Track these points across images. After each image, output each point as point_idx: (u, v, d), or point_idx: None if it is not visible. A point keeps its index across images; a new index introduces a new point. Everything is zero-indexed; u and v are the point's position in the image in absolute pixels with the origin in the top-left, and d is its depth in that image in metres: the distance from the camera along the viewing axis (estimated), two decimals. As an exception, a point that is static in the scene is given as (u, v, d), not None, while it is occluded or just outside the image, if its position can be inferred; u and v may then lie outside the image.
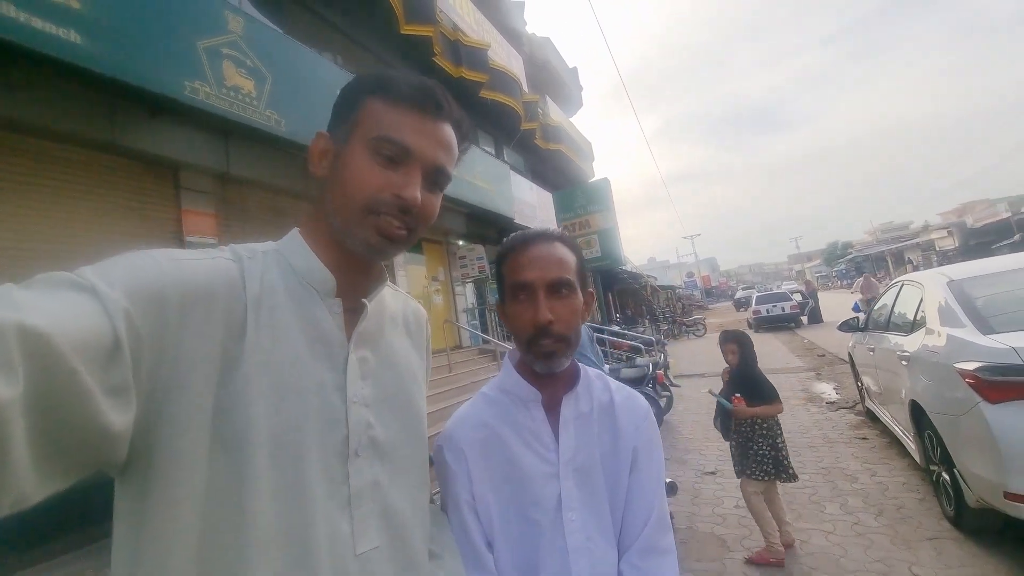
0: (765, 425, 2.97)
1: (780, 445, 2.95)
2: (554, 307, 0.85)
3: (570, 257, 0.90)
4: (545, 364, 0.87)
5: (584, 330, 3.10)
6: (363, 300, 0.71)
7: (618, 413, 0.93)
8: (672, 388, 6.65)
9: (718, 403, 3.18)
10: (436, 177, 0.68)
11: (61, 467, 0.45)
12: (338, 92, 0.71)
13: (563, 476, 0.86)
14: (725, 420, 3.18)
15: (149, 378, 0.51)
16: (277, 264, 0.66)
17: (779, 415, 3.02)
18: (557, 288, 0.86)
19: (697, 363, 11.67)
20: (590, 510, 0.85)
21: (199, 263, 0.59)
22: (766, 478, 2.91)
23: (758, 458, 2.93)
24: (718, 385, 3.43)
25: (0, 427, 0.39)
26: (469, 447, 0.88)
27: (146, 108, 4.23)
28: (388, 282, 0.79)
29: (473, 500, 0.85)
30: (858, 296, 15.51)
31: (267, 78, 4.81)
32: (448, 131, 0.70)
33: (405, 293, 0.88)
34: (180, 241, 4.76)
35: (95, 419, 0.46)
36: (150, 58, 3.77)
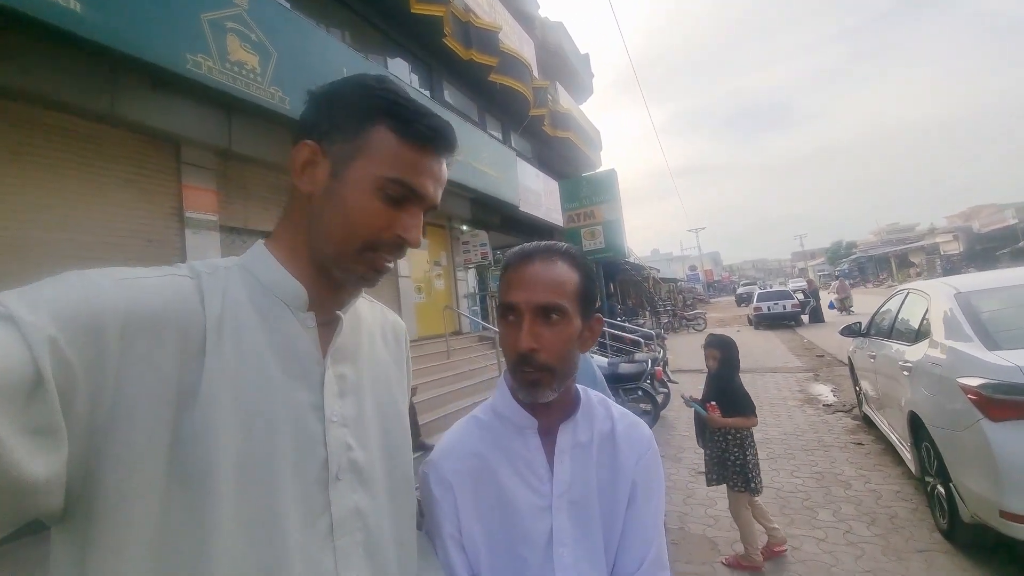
0: (739, 435, 2.95)
1: (750, 457, 2.92)
2: (541, 334, 0.78)
3: (570, 278, 0.82)
4: (527, 393, 0.80)
5: (589, 363, 2.95)
6: (338, 313, 0.66)
7: (619, 443, 0.88)
8: (670, 384, 6.64)
9: (695, 414, 3.15)
10: (430, 214, 0.68)
11: None
12: (330, 92, 0.64)
13: (556, 509, 0.81)
14: (700, 426, 3.18)
15: (87, 415, 0.46)
16: (242, 279, 0.61)
17: (754, 426, 2.99)
18: (546, 313, 0.79)
19: (696, 358, 11.63)
20: (583, 546, 0.81)
21: (146, 281, 0.54)
22: (745, 490, 2.90)
23: (736, 468, 2.91)
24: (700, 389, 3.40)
25: None
26: (457, 477, 0.83)
27: (147, 80, 4.15)
28: (362, 294, 0.75)
29: (459, 534, 0.80)
30: (834, 295, 18.43)
31: (272, 54, 4.70)
32: (445, 167, 0.68)
33: (381, 305, 0.83)
34: (180, 217, 4.71)
35: (8, 469, 0.40)
36: (152, 29, 3.68)
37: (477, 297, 10.77)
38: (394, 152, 0.61)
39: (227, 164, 5.28)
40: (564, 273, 0.82)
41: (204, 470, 0.51)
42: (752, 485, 2.89)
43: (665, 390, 6.39)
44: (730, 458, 2.93)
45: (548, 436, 0.86)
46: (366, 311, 0.77)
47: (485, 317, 10.36)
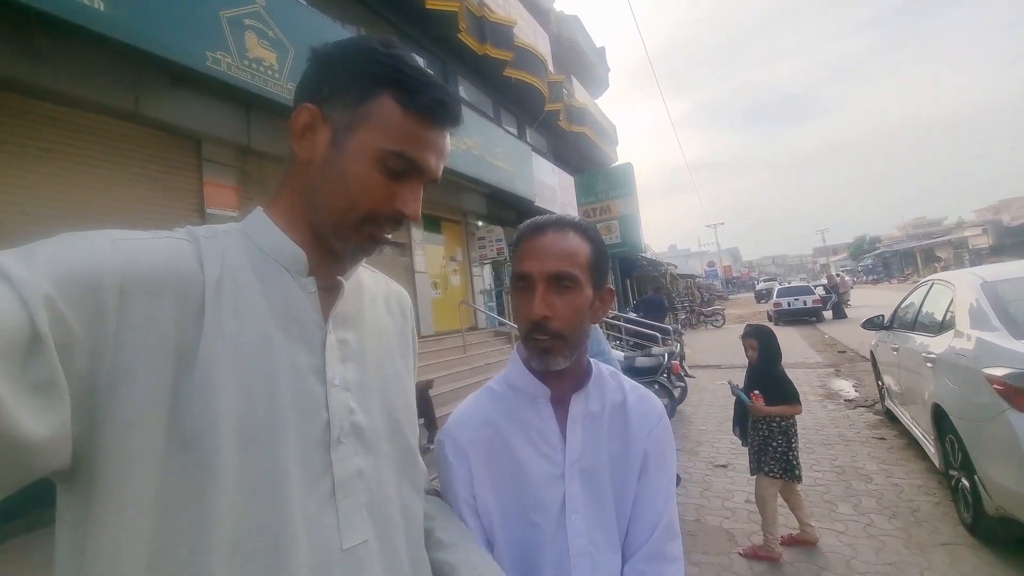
0: (784, 424, 2.92)
1: (793, 446, 2.89)
2: (553, 302, 0.80)
3: (582, 248, 0.83)
4: (539, 361, 0.82)
5: (598, 335, 3.02)
6: (339, 278, 0.67)
7: (630, 414, 0.89)
8: (687, 379, 6.58)
9: (736, 403, 3.12)
10: (429, 187, 0.67)
11: None
12: (334, 54, 0.62)
13: (568, 477, 0.82)
14: (743, 418, 3.14)
15: (87, 373, 0.46)
16: (241, 243, 0.61)
17: (798, 414, 2.95)
18: (558, 281, 0.80)
19: (714, 354, 11.53)
20: (595, 514, 0.82)
21: (145, 243, 0.54)
22: (782, 477, 2.87)
23: (776, 455, 2.88)
24: (739, 378, 3.36)
25: None
26: (471, 445, 0.85)
27: (168, 78, 4.24)
28: (365, 264, 0.75)
29: (473, 499, 0.82)
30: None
31: (289, 50, 4.77)
32: (448, 139, 0.66)
33: (384, 275, 0.83)
34: (201, 213, 4.81)
35: (7, 428, 0.40)
36: (173, 27, 3.76)
37: (493, 293, 10.80)
38: (398, 124, 0.60)
39: (246, 160, 5.37)
40: (576, 243, 0.83)
41: (204, 431, 0.51)
42: (797, 472, 2.87)
43: (682, 384, 6.34)
44: (772, 444, 2.91)
45: (560, 406, 0.87)
46: (368, 280, 0.77)
47: (501, 312, 10.38)
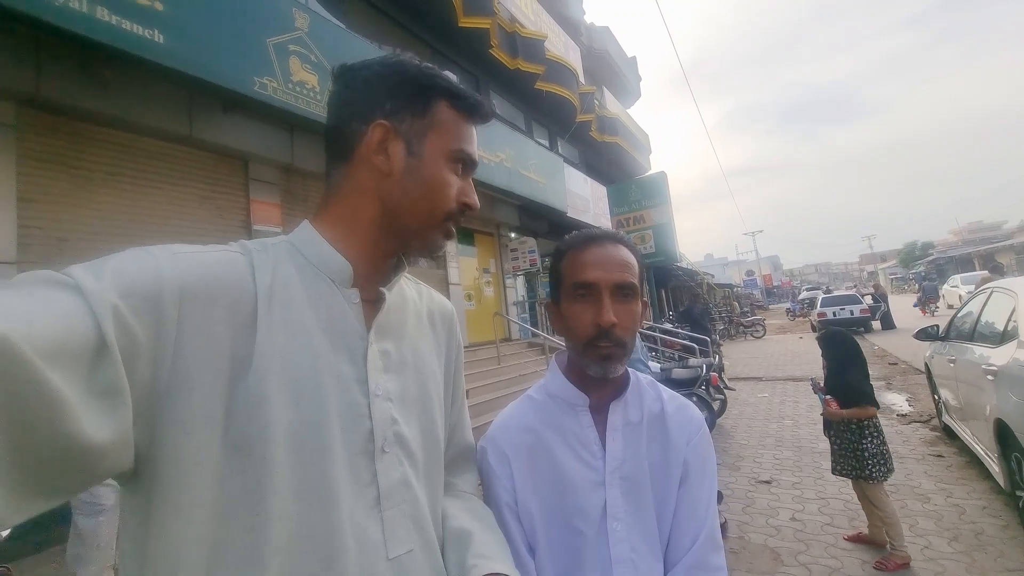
0: (872, 425, 2.92)
1: (865, 446, 2.88)
2: (617, 310, 0.83)
3: (633, 261, 0.88)
4: (601, 368, 0.84)
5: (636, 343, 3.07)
6: (382, 289, 0.68)
7: (669, 424, 0.89)
8: (727, 391, 6.40)
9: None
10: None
11: (41, 487, 0.42)
12: (382, 74, 0.66)
13: (609, 484, 0.83)
14: (828, 421, 3.19)
15: (149, 380, 0.48)
16: (289, 255, 0.63)
17: (872, 416, 2.94)
18: (622, 291, 0.84)
19: (754, 366, 11.17)
20: (636, 521, 0.83)
21: (201, 256, 0.56)
22: (884, 477, 2.86)
23: (876, 457, 2.86)
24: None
25: None
26: (513, 451, 0.86)
27: (220, 103, 4.49)
28: (408, 275, 0.77)
29: (515, 504, 0.84)
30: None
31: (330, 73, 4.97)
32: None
33: (428, 288, 0.85)
34: (248, 229, 5.04)
35: (74, 431, 0.42)
36: (224, 55, 3.99)
37: (526, 304, 10.81)
38: (456, 124, 0.68)
39: (290, 179, 5.60)
40: (629, 256, 0.88)
41: (258, 437, 0.53)
42: (892, 468, 2.88)
43: (721, 396, 6.16)
44: (868, 447, 2.88)
45: (599, 414, 0.88)
46: (412, 292, 0.79)
47: (534, 324, 10.38)
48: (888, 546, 2.80)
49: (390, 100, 0.65)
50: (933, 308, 18.21)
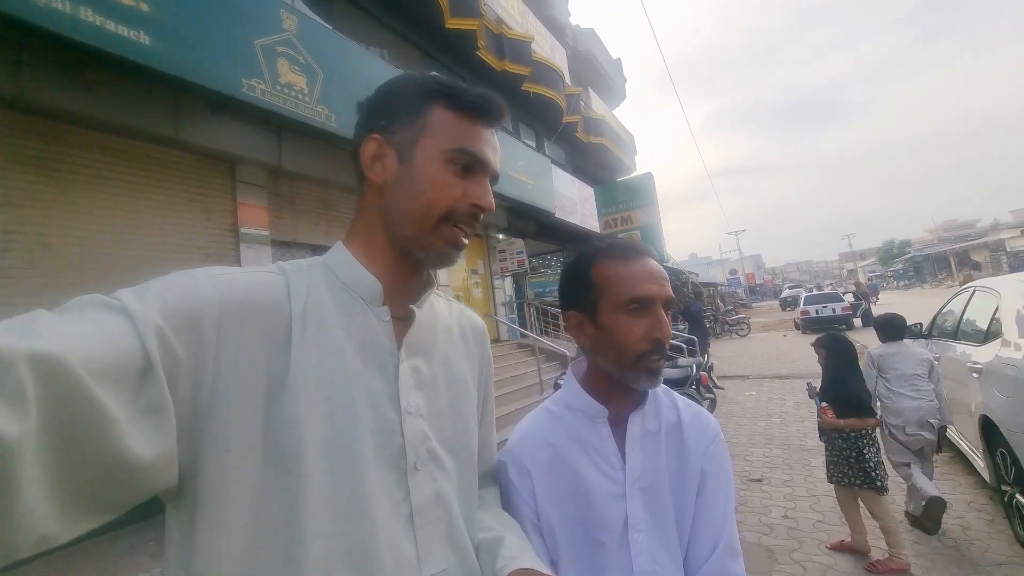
0: (871, 434, 2.89)
1: (866, 456, 2.83)
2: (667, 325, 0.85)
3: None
4: (650, 380, 0.84)
5: None
6: (411, 307, 0.69)
7: (686, 433, 0.90)
8: (716, 390, 6.47)
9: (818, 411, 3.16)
10: (493, 184, 0.71)
11: (92, 504, 0.43)
12: (381, 91, 0.69)
13: (629, 496, 0.83)
14: (822, 427, 3.14)
15: (190, 398, 0.50)
16: (323, 276, 0.65)
17: (871, 426, 2.90)
18: (668, 306, 0.85)
19: (740, 364, 11.32)
20: (657, 532, 0.83)
21: (240, 277, 0.58)
22: (864, 485, 2.83)
23: (874, 467, 2.82)
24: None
25: (7, 467, 0.36)
26: (534, 465, 0.86)
27: (207, 105, 4.41)
28: (438, 291, 0.78)
29: (537, 519, 0.83)
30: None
31: (318, 74, 4.92)
32: (496, 138, 0.71)
33: (461, 304, 0.86)
34: (235, 232, 4.96)
35: (123, 450, 0.43)
36: (211, 57, 3.92)
37: (514, 305, 10.81)
38: (453, 125, 0.65)
39: (277, 181, 5.53)
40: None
41: (295, 453, 0.54)
42: (877, 483, 2.81)
43: (711, 396, 6.23)
44: (870, 457, 2.83)
45: (617, 426, 0.88)
46: (443, 309, 0.79)
47: (523, 324, 10.39)
48: (886, 553, 2.76)
49: (384, 116, 0.67)
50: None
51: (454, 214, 0.65)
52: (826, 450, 3.06)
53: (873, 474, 2.79)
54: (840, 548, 2.95)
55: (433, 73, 0.69)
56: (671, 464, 0.87)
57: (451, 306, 0.82)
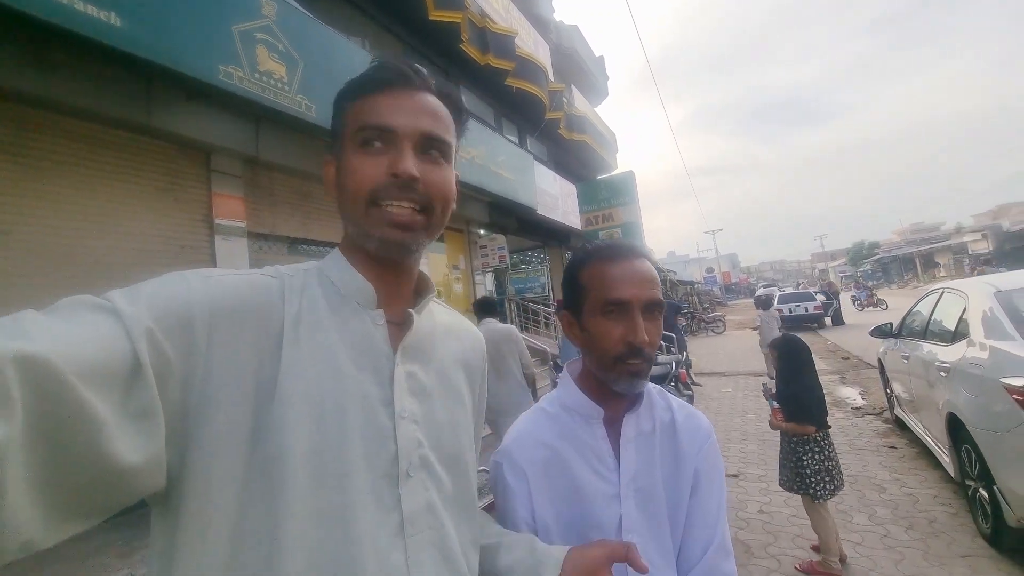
0: (794, 440, 2.89)
1: (805, 463, 2.83)
2: (647, 328, 0.82)
3: (657, 276, 0.87)
4: (629, 384, 0.83)
5: None
6: (409, 311, 0.68)
7: (680, 434, 0.90)
8: (694, 387, 6.57)
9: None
10: (429, 146, 0.64)
11: (77, 508, 0.42)
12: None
13: (624, 497, 0.83)
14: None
15: (179, 401, 0.49)
16: (318, 279, 0.65)
17: (808, 434, 2.85)
18: (651, 309, 0.83)
19: (716, 361, 11.53)
20: (651, 533, 0.83)
21: (232, 280, 0.57)
22: (798, 491, 2.86)
23: (816, 474, 2.82)
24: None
25: None
26: (530, 466, 0.85)
27: (182, 92, 4.26)
28: (440, 300, 0.77)
29: (533, 520, 0.83)
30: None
31: (299, 63, 4.80)
32: (428, 99, 0.66)
33: (462, 315, 0.84)
34: (210, 224, 4.82)
35: (111, 454, 0.42)
36: (187, 42, 3.79)
37: (495, 301, 10.80)
38: (358, 110, 0.64)
39: (255, 172, 5.39)
40: (655, 271, 0.87)
41: (280, 459, 0.52)
42: (811, 491, 2.79)
43: (689, 392, 6.32)
44: (808, 464, 2.81)
45: (612, 426, 0.88)
46: (443, 316, 0.77)
47: (504, 321, 10.38)
48: (821, 558, 2.77)
49: (331, 135, 0.68)
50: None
51: (377, 192, 0.61)
52: (780, 452, 3.07)
53: (809, 481, 2.79)
54: (809, 570, 2.79)
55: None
56: (665, 464, 0.87)
57: (451, 314, 0.81)
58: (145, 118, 4.10)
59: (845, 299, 22.48)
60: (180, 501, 0.50)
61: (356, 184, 0.62)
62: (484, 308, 4.54)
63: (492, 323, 4.32)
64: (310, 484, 0.53)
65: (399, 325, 0.67)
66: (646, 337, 0.81)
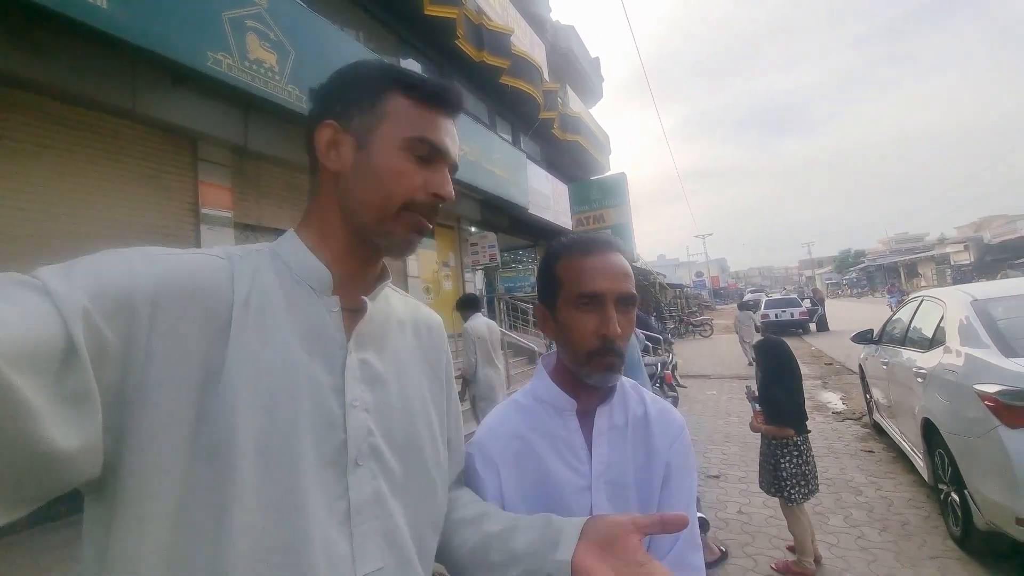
0: (773, 443, 2.92)
1: (783, 465, 2.86)
2: (620, 322, 0.82)
3: (631, 270, 0.87)
4: (603, 378, 0.84)
5: (636, 350, 3.07)
6: (364, 298, 0.67)
7: (652, 427, 0.90)
8: (679, 388, 6.61)
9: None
10: (452, 174, 0.69)
11: (7, 496, 0.40)
12: (336, 77, 0.67)
13: (595, 488, 0.84)
14: None
15: (117, 385, 0.47)
16: (271, 262, 0.63)
17: (786, 436, 2.88)
18: (625, 302, 0.83)
19: (703, 364, 11.63)
20: None
21: (177, 259, 0.55)
22: (775, 495, 2.89)
23: (793, 479, 2.85)
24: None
25: None
26: (501, 457, 0.85)
27: (168, 77, 4.21)
28: (395, 286, 0.76)
29: (503, 510, 0.82)
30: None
31: (290, 53, 4.76)
32: (454, 128, 0.70)
33: (416, 300, 0.83)
34: (196, 212, 4.77)
35: (43, 440, 0.40)
36: (174, 26, 3.73)
37: (485, 299, 10.79)
38: (411, 113, 0.64)
39: (243, 161, 5.33)
40: (628, 265, 0.87)
41: (226, 447, 0.51)
42: (786, 493, 2.82)
43: (674, 394, 6.37)
44: (784, 467, 2.84)
45: (585, 419, 0.88)
46: (398, 303, 0.77)
47: (493, 319, 10.37)
48: (796, 559, 2.81)
49: (340, 102, 0.65)
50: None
51: (414, 203, 0.64)
52: (759, 455, 3.10)
53: (784, 484, 2.83)
54: (784, 570, 2.82)
55: (388, 63, 0.68)
56: (637, 457, 0.88)
57: (407, 301, 0.80)
58: (129, 103, 4.04)
59: (862, 304, 22.58)
60: (117, 488, 0.48)
61: (400, 187, 0.63)
62: (472, 304, 4.79)
63: (481, 317, 4.64)
64: (257, 472, 0.52)
65: (353, 312, 0.66)
66: (619, 330, 0.81)
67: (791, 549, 2.95)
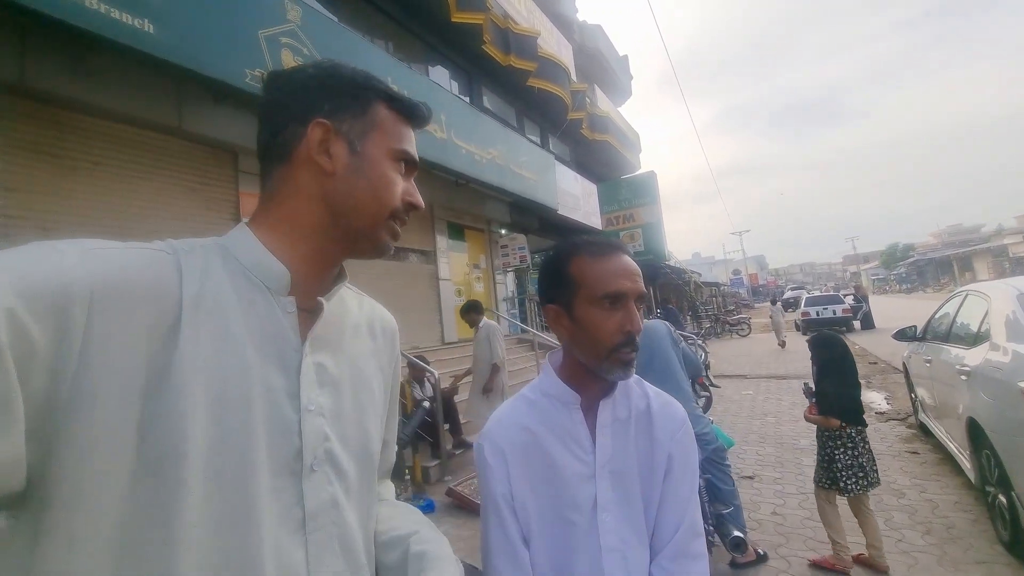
0: (825, 434, 2.90)
1: (837, 457, 2.84)
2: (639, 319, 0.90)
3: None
4: (624, 372, 0.89)
5: (667, 333, 3.13)
6: (320, 299, 0.64)
7: (655, 420, 0.94)
8: (712, 388, 6.50)
9: None
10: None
11: None
12: (319, 77, 0.65)
13: (599, 478, 0.88)
14: None
15: (45, 391, 0.43)
16: (222, 259, 0.59)
17: (851, 428, 2.87)
18: (639, 301, 0.90)
19: (740, 364, 11.35)
20: (624, 512, 0.88)
21: (118, 254, 0.51)
22: (829, 487, 2.86)
23: (824, 465, 2.89)
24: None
25: None
26: (509, 447, 0.90)
27: (211, 95, 4.45)
28: (351, 285, 0.75)
29: (511, 497, 0.88)
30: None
31: (322, 66, 4.95)
32: None
33: (372, 300, 0.81)
34: (237, 222, 4.98)
35: None
36: (215, 47, 3.96)
37: (515, 300, 10.85)
38: (396, 126, 0.67)
39: (280, 172, 5.57)
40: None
41: (172, 455, 0.48)
42: (873, 482, 2.82)
43: (707, 394, 6.27)
44: (840, 459, 2.84)
45: (589, 412, 0.93)
46: (353, 303, 0.75)
47: (524, 320, 10.43)
48: (832, 551, 2.80)
49: (328, 101, 0.63)
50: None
51: (398, 211, 0.67)
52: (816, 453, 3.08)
53: (837, 475, 2.80)
54: (821, 563, 2.82)
55: (374, 76, 0.71)
56: (640, 449, 0.92)
57: (362, 301, 0.78)
58: (175, 120, 4.30)
59: (911, 299, 21.59)
60: (44, 505, 0.44)
61: (391, 196, 0.66)
62: (479, 309, 5.19)
63: (490, 321, 5.15)
64: (208, 482, 0.50)
65: (309, 313, 0.63)
66: (641, 326, 0.88)
67: (819, 563, 2.87)
